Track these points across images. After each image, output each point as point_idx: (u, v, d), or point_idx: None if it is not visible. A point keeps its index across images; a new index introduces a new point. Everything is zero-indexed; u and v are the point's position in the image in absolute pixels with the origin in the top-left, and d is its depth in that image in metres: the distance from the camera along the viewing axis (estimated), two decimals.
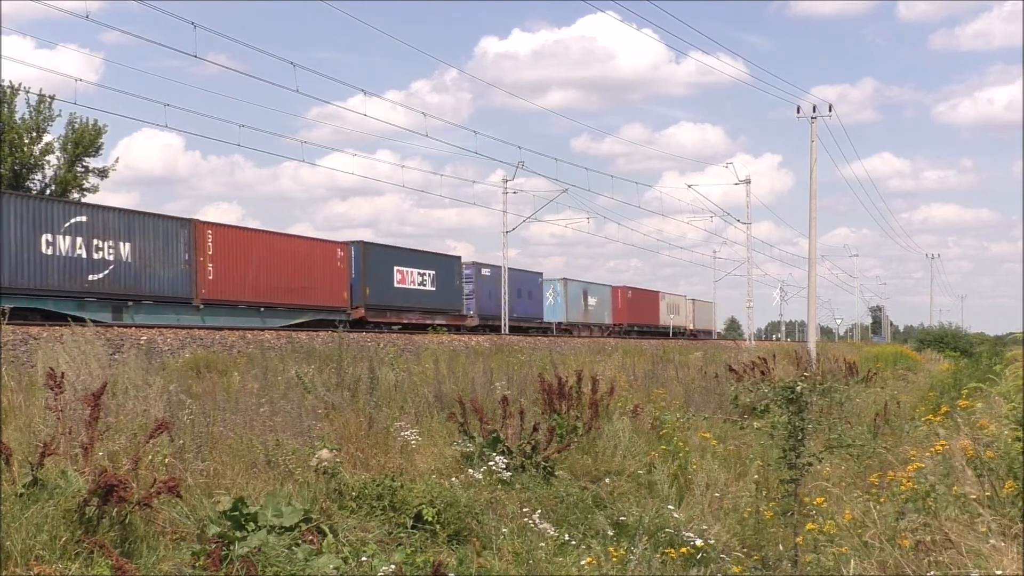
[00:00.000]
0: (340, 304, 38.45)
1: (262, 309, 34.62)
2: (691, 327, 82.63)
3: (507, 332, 47.38)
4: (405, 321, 41.80)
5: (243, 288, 33.60)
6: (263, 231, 36.50)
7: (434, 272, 44.86)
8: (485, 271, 50.53)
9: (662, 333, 70.06)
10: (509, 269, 51.19)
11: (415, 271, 43.60)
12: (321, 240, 39.50)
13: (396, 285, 42.06)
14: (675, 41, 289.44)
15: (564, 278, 59.22)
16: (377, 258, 41.08)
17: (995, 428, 9.03)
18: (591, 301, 62.17)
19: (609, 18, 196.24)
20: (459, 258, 48.66)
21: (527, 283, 55.39)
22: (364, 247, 40.30)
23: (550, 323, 56.27)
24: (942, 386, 23.08)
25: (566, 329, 56.86)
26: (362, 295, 39.55)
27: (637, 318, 69.18)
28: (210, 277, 32.15)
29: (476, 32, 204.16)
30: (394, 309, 41.73)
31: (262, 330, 29.09)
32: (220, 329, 27.03)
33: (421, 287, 43.81)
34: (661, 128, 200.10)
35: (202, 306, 31.91)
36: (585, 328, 59.59)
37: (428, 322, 42.30)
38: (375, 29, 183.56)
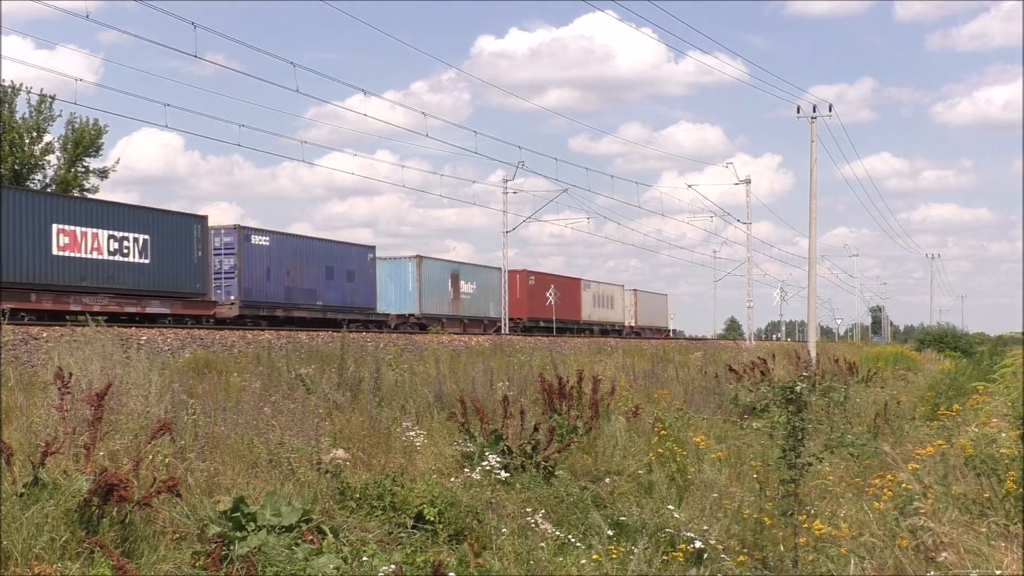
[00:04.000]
0: None
1: None
2: (632, 323, 70.73)
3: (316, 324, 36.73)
4: (73, 307, 27.92)
5: None
6: None
7: (148, 236, 31.22)
8: (259, 239, 36.69)
9: (584, 331, 58.46)
10: (302, 237, 40.07)
11: (103, 233, 29.85)
12: None
13: (57, 252, 28.52)
14: (674, 40, 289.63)
15: (419, 255, 46.63)
16: (18, 209, 27.51)
17: (995, 428, 9.04)
18: (466, 288, 50.12)
19: (608, 17, 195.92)
20: (203, 218, 34.26)
21: (345, 259, 41.22)
22: None
23: (388, 314, 43.76)
24: (940, 386, 23.07)
25: (420, 324, 44.24)
26: None
27: (545, 311, 57.31)
28: None
29: (473, 31, 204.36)
30: (53, 289, 28.29)
31: (260, 331, 29.16)
32: (220, 329, 27.05)
33: (119, 257, 30.37)
34: (660, 128, 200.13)
35: None
36: (454, 323, 47.45)
37: (131, 310, 30.38)
38: (375, 29, 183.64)
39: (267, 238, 37.28)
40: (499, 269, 53.72)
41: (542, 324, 55.64)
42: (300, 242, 39.65)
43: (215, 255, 35.01)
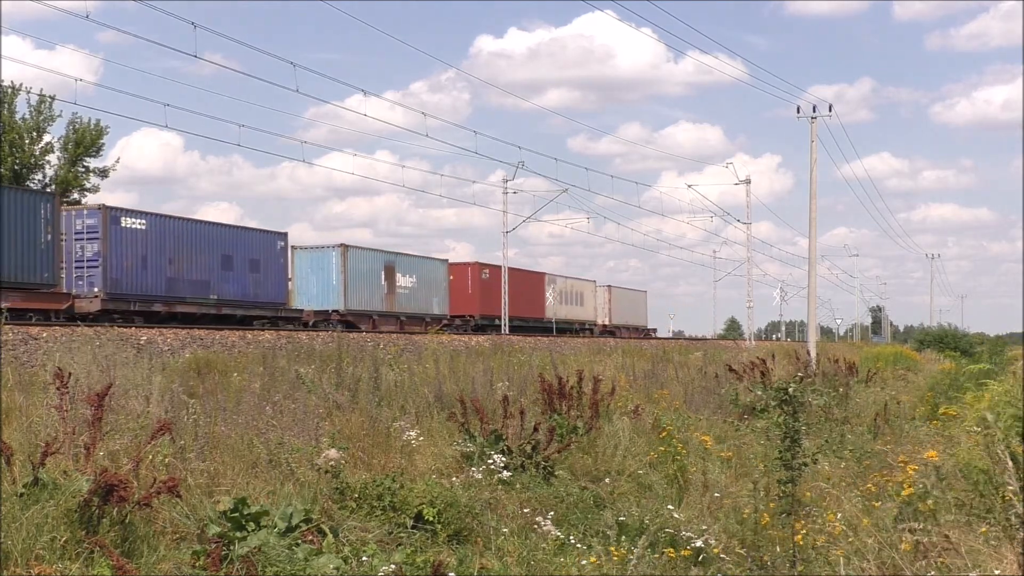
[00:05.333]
0: None
1: None
2: (605, 322, 66.06)
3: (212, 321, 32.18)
4: None
5: None
6: None
7: None
8: (132, 222, 31.41)
9: (547, 330, 53.61)
10: (190, 220, 34.98)
11: None
12: None
13: None
14: (674, 40, 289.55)
15: (344, 244, 41.04)
16: None
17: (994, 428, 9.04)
18: (403, 282, 44.29)
19: (607, 17, 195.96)
20: (51, 196, 30.53)
21: (247, 247, 36.24)
22: None
23: (302, 311, 39.06)
24: (940, 386, 23.10)
25: (344, 321, 39.26)
26: None
27: (500, 308, 51.69)
28: None
29: (471, 31, 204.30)
30: None
31: (262, 330, 29.15)
32: (220, 329, 27.06)
33: None
34: (659, 128, 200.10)
35: None
36: (389, 320, 42.23)
37: None
38: (375, 29, 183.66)
39: (143, 221, 31.77)
40: (444, 261, 48.85)
41: (497, 322, 50.46)
42: (188, 226, 34.07)
43: (76, 240, 30.16)
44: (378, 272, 42.77)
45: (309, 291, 40.59)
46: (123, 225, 30.90)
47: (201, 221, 35.39)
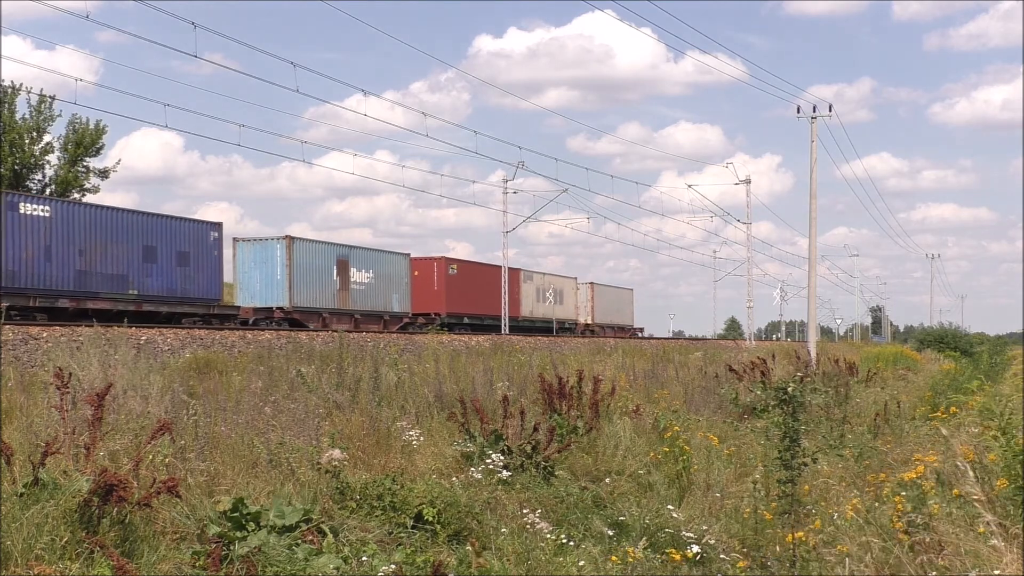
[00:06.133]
0: None
1: None
2: (587, 320, 63.68)
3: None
4: None
5: None
6: None
7: None
8: (33, 208, 28.67)
9: (524, 329, 50.82)
10: (105, 208, 31.73)
11: None
12: None
13: None
14: (673, 40, 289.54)
15: (290, 236, 37.99)
16: None
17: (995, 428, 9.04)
18: (359, 277, 41.35)
19: (607, 17, 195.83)
20: None
21: (174, 238, 33.21)
22: None
23: (239, 307, 36.51)
24: (940, 386, 23.11)
25: (290, 319, 36.91)
26: None
27: (472, 305, 49.06)
28: None
29: (471, 31, 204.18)
30: None
31: (262, 330, 29.12)
32: (220, 329, 27.06)
33: None
34: (659, 128, 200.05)
35: None
36: (342, 319, 39.19)
37: None
38: (375, 29, 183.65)
39: (46, 207, 29.18)
40: (406, 255, 45.72)
41: (467, 321, 47.72)
42: (102, 214, 31.18)
43: None
44: (329, 267, 39.81)
45: (252, 286, 37.70)
46: (22, 212, 28.13)
47: (119, 209, 32.46)
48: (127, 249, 31.16)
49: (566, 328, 58.98)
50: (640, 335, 66.14)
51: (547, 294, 58.53)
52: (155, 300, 32.05)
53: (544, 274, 59.52)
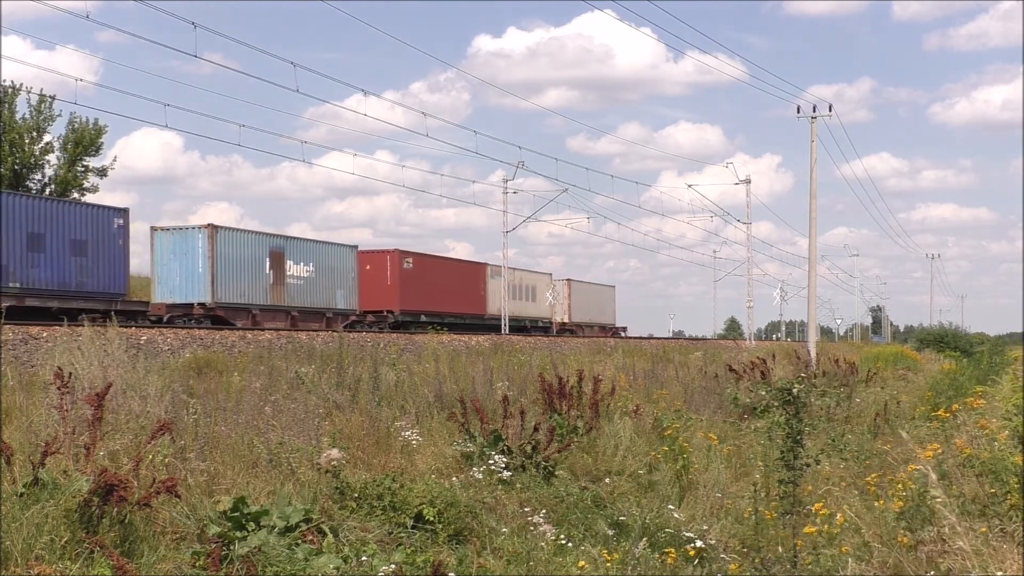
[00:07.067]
0: None
1: None
2: (564, 319, 60.60)
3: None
4: None
5: None
6: None
7: None
8: None
9: (491, 328, 46.41)
10: None
11: None
12: None
13: None
14: (673, 40, 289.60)
15: (212, 224, 34.88)
16: None
17: (995, 428, 9.05)
18: (296, 271, 38.10)
19: (606, 17, 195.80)
20: None
21: (68, 224, 29.91)
22: None
23: (148, 302, 33.59)
24: (940, 386, 23.11)
25: (212, 316, 33.79)
26: None
27: (431, 303, 45.71)
28: None
29: (470, 30, 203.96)
30: None
31: (262, 330, 29.09)
32: (220, 329, 27.05)
33: None
34: (659, 128, 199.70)
35: None
36: (276, 315, 36.62)
37: None
38: (375, 29, 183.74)
39: None
40: (353, 247, 42.09)
41: (424, 319, 43.98)
42: None
43: None
44: (261, 259, 36.42)
45: (171, 280, 34.32)
46: None
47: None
48: (6, 237, 27.60)
49: (540, 327, 55.76)
50: (623, 334, 63.11)
51: (518, 291, 55.22)
52: (42, 294, 28.57)
53: (514, 269, 55.76)
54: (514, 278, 54.79)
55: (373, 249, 45.11)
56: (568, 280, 63.13)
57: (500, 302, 51.97)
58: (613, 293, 71.80)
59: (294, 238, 39.75)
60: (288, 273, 37.78)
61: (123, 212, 32.34)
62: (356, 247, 42.51)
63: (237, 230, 36.72)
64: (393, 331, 35.84)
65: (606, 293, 70.38)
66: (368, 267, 43.16)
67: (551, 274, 61.68)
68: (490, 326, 48.04)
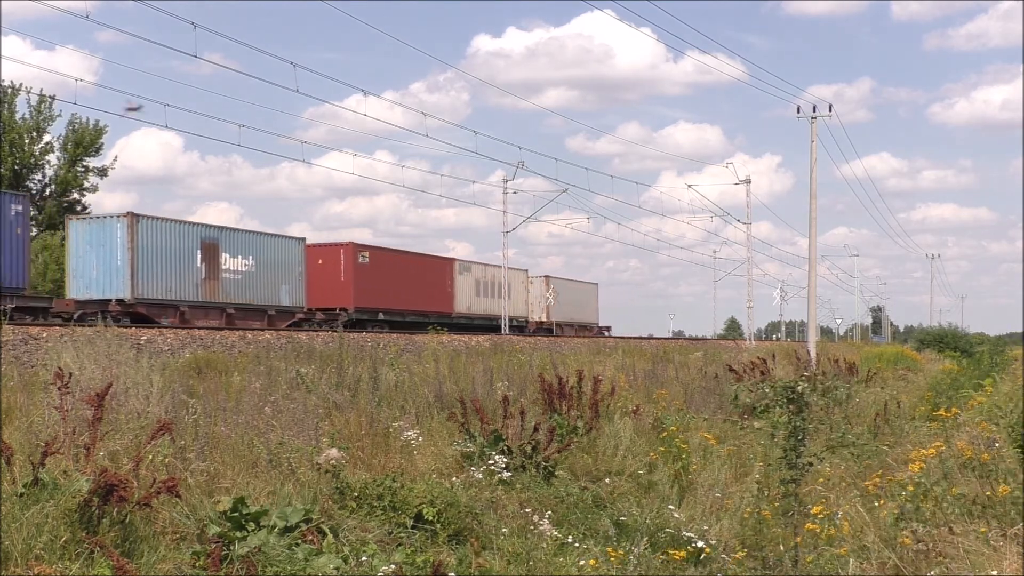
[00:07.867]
0: None
1: None
2: (542, 318, 58.26)
3: None
4: None
5: None
6: None
7: None
8: None
9: (458, 327, 43.71)
10: None
11: None
12: None
13: None
14: (673, 40, 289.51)
15: (132, 212, 31.88)
16: None
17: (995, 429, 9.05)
18: (233, 264, 35.23)
19: (606, 17, 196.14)
20: None
21: None
22: None
23: (53, 299, 31.61)
24: (941, 386, 23.11)
25: (132, 313, 31.02)
26: None
27: (391, 300, 42.59)
28: None
29: (469, 30, 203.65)
30: None
31: (262, 330, 29.07)
32: (220, 329, 27.04)
33: None
34: (659, 128, 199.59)
35: None
36: (209, 313, 34.04)
37: None
38: (375, 29, 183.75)
39: None
40: (300, 240, 39.31)
41: (382, 317, 41.59)
42: None
43: None
44: (191, 251, 33.52)
45: (87, 274, 31.70)
46: None
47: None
48: None
49: (515, 326, 52.57)
50: (607, 334, 60.89)
51: (490, 288, 51.94)
52: None
53: (486, 265, 52.67)
54: (485, 274, 51.90)
55: (325, 243, 42.53)
56: (547, 277, 60.56)
57: (469, 300, 49.37)
58: (595, 291, 69.50)
59: (230, 229, 36.98)
60: (223, 267, 34.88)
61: (21, 198, 29.70)
62: (304, 239, 39.72)
63: (162, 219, 33.53)
64: (347, 330, 34.73)
65: (588, 291, 67.72)
66: (320, 262, 40.47)
67: (527, 270, 59.24)
68: (458, 325, 45.45)
